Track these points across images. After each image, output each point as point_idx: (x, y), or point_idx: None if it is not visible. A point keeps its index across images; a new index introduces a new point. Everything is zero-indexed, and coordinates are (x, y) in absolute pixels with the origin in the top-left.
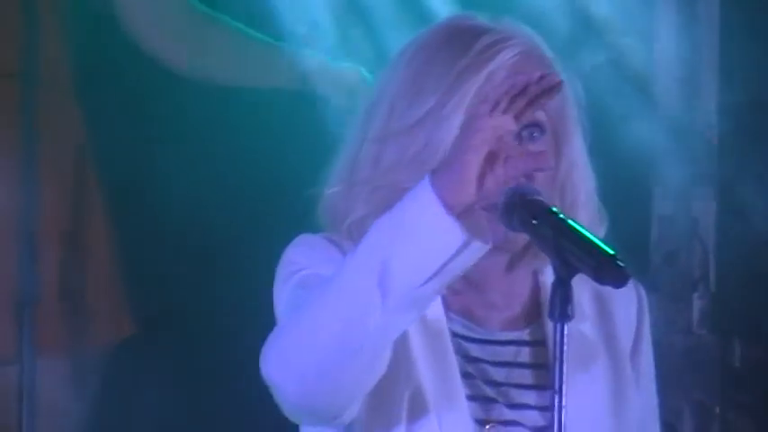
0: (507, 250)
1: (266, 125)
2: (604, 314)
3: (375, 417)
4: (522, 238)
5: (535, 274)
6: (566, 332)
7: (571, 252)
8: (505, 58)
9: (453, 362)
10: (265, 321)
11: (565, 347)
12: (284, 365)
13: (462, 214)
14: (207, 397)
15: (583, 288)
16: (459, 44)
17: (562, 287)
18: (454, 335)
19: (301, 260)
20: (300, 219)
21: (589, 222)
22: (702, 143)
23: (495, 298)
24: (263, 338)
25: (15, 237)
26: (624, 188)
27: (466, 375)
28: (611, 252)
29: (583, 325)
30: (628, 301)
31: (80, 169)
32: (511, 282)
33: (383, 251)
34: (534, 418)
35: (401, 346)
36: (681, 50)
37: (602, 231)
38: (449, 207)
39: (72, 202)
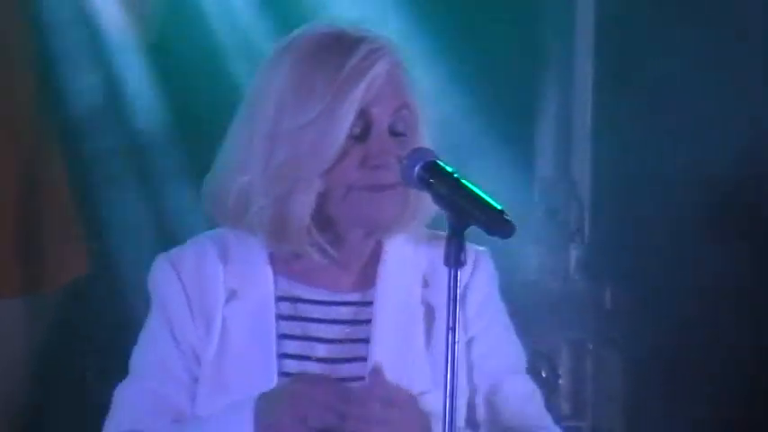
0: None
1: None
2: (432, 281)
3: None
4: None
5: (379, 241)
6: (458, 281)
7: (464, 207)
8: (383, 65)
9: (272, 330)
10: None
11: (458, 291)
12: None
13: None
14: None
15: (421, 259)
16: (341, 50)
17: (456, 238)
18: (297, 300)
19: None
20: None
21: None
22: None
23: (349, 262)
24: None
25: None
26: (509, 151)
27: (294, 338)
28: (499, 207)
29: (414, 289)
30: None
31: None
32: (363, 248)
33: None
34: (362, 370)
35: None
36: None
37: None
38: None
39: None
